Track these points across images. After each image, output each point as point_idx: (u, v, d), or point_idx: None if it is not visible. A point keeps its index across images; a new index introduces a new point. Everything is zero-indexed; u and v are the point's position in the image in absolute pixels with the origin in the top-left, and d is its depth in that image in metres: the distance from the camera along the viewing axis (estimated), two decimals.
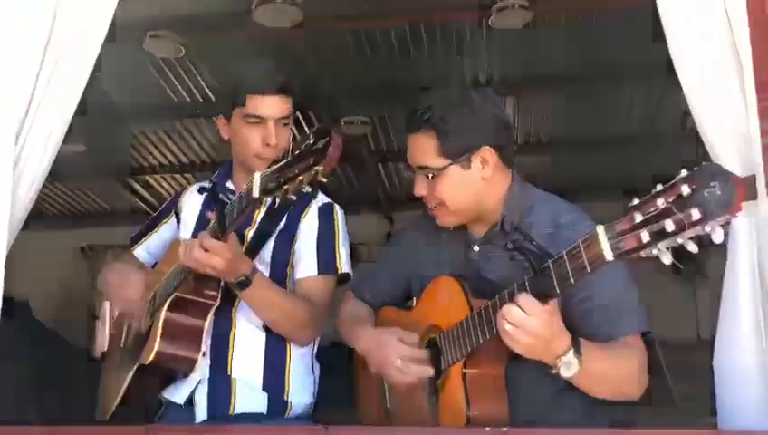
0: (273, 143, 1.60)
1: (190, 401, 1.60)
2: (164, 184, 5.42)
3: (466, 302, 1.38)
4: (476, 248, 1.49)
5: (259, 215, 1.70)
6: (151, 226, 1.88)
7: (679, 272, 4.73)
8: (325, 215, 1.70)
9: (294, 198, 1.25)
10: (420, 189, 1.46)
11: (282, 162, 1.26)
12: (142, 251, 1.85)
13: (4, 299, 1.36)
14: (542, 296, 1.18)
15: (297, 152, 1.23)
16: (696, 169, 0.96)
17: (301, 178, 1.21)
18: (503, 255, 1.41)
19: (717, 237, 0.93)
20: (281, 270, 1.65)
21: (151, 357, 1.52)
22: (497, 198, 1.46)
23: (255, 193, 1.30)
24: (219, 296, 1.56)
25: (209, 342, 1.60)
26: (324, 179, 1.21)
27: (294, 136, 1.67)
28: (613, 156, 4.98)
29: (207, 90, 4.07)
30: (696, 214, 0.92)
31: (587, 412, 1.41)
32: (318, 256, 1.65)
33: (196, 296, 1.55)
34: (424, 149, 1.43)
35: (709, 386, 1.29)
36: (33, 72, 1.44)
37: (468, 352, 1.35)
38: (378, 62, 3.78)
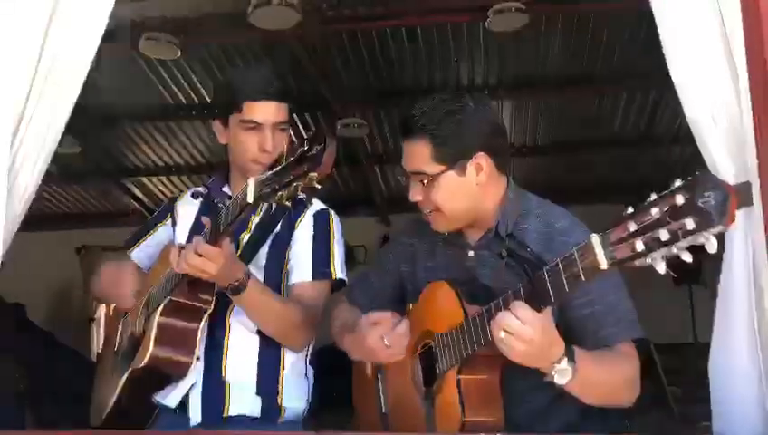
0: (270, 149, 1.60)
1: (184, 405, 1.60)
2: (159, 185, 5.42)
3: (461, 308, 1.38)
4: (471, 254, 1.50)
5: (254, 220, 1.70)
6: (147, 229, 1.88)
7: (679, 283, 4.76)
8: (320, 221, 1.70)
9: (289, 203, 1.24)
10: (415, 195, 1.46)
11: (276, 168, 1.26)
12: (139, 253, 1.85)
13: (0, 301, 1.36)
14: (537, 304, 1.18)
15: (292, 159, 1.23)
16: (690, 178, 0.96)
17: (295, 184, 1.22)
18: (497, 260, 1.41)
19: (711, 248, 0.93)
20: (275, 275, 1.65)
21: (145, 361, 1.52)
22: (492, 203, 1.46)
23: (250, 199, 1.31)
24: (213, 301, 1.56)
25: (203, 346, 1.59)
26: (319, 186, 1.22)
27: (291, 140, 1.67)
28: (608, 159, 5.00)
29: (203, 92, 4.07)
30: (690, 224, 0.92)
31: (580, 419, 1.41)
32: (312, 262, 1.65)
33: (191, 301, 1.55)
34: (419, 155, 1.43)
35: (705, 390, 1.29)
36: (28, 74, 1.43)
37: (463, 358, 1.35)
38: (375, 64, 3.79)
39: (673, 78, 1.31)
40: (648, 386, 1.38)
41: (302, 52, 3.49)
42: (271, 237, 1.67)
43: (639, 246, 0.98)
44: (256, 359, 1.62)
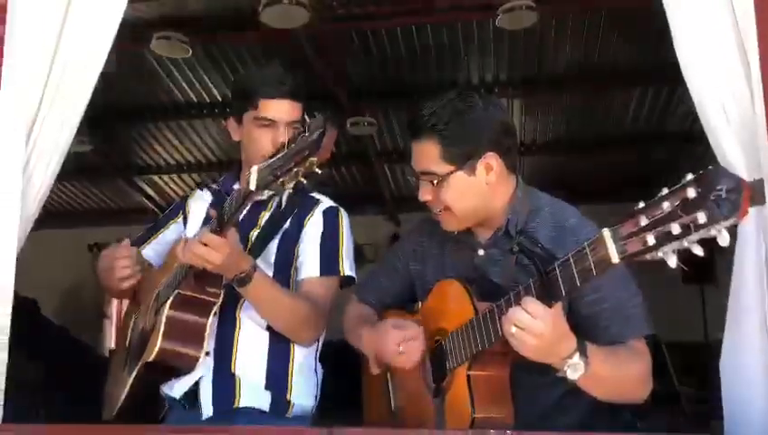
0: None
1: (193, 400, 1.61)
2: (170, 183, 5.45)
3: (471, 305, 1.38)
4: (481, 252, 1.50)
5: (264, 217, 1.71)
6: (158, 227, 1.89)
7: (689, 281, 4.73)
8: (330, 218, 1.71)
9: (291, 189, 1.25)
10: (425, 195, 1.46)
11: (278, 155, 1.27)
12: (150, 251, 1.86)
13: (16, 297, 1.38)
14: (548, 299, 1.18)
15: (293, 145, 1.24)
16: (702, 172, 0.96)
17: (296, 169, 1.22)
18: (507, 258, 1.41)
19: (723, 241, 0.93)
20: (284, 271, 1.66)
21: (154, 354, 1.52)
22: (502, 202, 1.46)
23: (252, 186, 1.31)
24: (221, 294, 1.56)
25: (213, 340, 1.61)
26: (319, 171, 1.22)
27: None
28: (620, 157, 4.97)
29: (214, 90, 4.09)
30: (702, 217, 0.92)
31: (591, 417, 1.41)
32: (321, 259, 1.66)
33: (199, 294, 1.55)
34: (428, 155, 1.43)
35: (716, 389, 1.29)
36: (42, 74, 1.45)
37: (473, 355, 1.35)
38: (384, 62, 3.79)
39: (684, 74, 1.30)
40: (659, 385, 1.37)
41: (311, 50, 3.51)
42: (280, 233, 1.68)
43: (651, 239, 0.98)
44: (266, 354, 1.62)
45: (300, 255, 1.67)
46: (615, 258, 1.05)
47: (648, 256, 1.00)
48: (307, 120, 1.27)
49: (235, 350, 1.61)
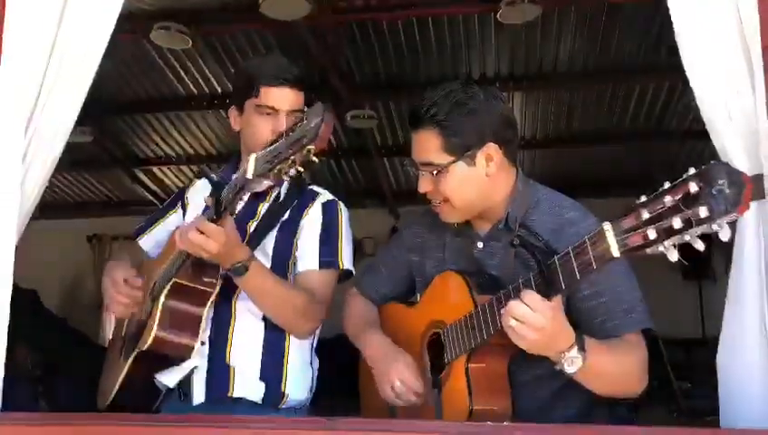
0: None
1: (189, 388, 1.61)
2: (170, 175, 5.44)
3: (471, 297, 1.39)
4: (480, 245, 1.50)
5: (263, 208, 1.70)
6: (158, 217, 1.89)
7: (689, 276, 4.73)
8: (329, 211, 1.71)
9: (287, 178, 1.25)
10: (425, 186, 1.46)
11: (276, 143, 1.27)
12: (149, 241, 1.86)
13: (13, 287, 1.38)
14: (547, 292, 1.18)
15: (291, 133, 1.24)
16: (704, 167, 0.96)
17: (293, 158, 1.22)
18: (507, 251, 1.41)
19: (724, 235, 0.93)
20: (282, 263, 1.66)
21: (149, 343, 1.52)
22: (502, 194, 1.46)
23: (249, 174, 1.31)
24: (218, 284, 1.56)
25: (209, 330, 1.60)
26: (316, 159, 1.22)
27: None
28: (621, 152, 4.97)
29: (214, 82, 4.08)
30: (703, 212, 0.92)
31: (588, 409, 1.41)
32: (320, 251, 1.66)
33: (195, 283, 1.55)
34: (428, 146, 1.43)
35: (713, 385, 1.29)
36: (41, 64, 1.44)
37: (472, 348, 1.35)
38: (385, 55, 3.78)
39: (686, 70, 1.30)
40: (656, 380, 1.38)
41: (312, 42, 3.49)
42: (278, 225, 1.68)
43: (652, 234, 0.98)
44: (261, 345, 1.62)
45: (299, 247, 1.67)
46: (616, 252, 1.06)
47: (648, 251, 1.00)
48: (306, 108, 1.27)
49: (230, 340, 1.61)
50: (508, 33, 3.54)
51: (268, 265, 1.62)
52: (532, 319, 1.17)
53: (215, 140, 4.89)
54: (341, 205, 1.74)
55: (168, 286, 1.55)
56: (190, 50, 3.62)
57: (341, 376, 1.86)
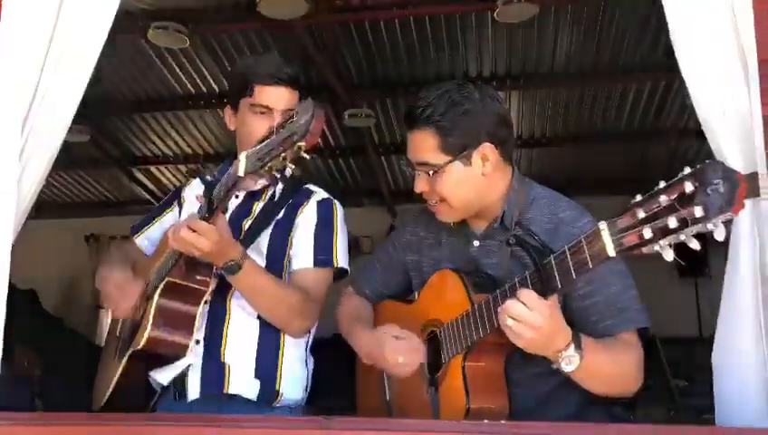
0: None
1: (184, 387, 1.60)
2: (167, 174, 5.44)
3: (467, 296, 1.39)
4: (476, 243, 1.50)
5: (258, 206, 1.70)
6: (154, 215, 1.89)
7: (685, 274, 4.74)
8: (324, 209, 1.71)
9: (279, 175, 1.25)
10: (421, 186, 1.46)
11: (266, 140, 1.26)
12: (144, 240, 1.86)
13: (10, 287, 1.37)
14: (544, 291, 1.18)
15: (281, 130, 1.24)
16: (699, 166, 0.96)
17: (284, 154, 1.22)
18: (503, 250, 1.42)
19: (719, 235, 0.93)
20: (277, 261, 1.66)
21: (143, 342, 1.52)
22: (498, 193, 1.46)
23: (241, 172, 1.31)
24: (212, 282, 1.56)
25: (203, 329, 1.60)
26: (307, 156, 1.22)
27: None
28: (617, 151, 4.98)
29: (212, 81, 4.08)
30: (698, 211, 0.93)
31: (584, 407, 1.42)
32: (315, 249, 1.65)
33: (188, 282, 1.54)
34: (424, 146, 1.43)
35: (709, 382, 1.29)
36: (38, 63, 1.44)
37: (468, 346, 1.35)
38: (382, 54, 3.78)
39: (682, 69, 1.30)
40: (652, 378, 1.38)
41: (309, 41, 3.49)
42: (273, 223, 1.67)
43: (648, 233, 0.98)
44: (256, 344, 1.62)
45: (293, 245, 1.67)
46: (611, 251, 1.06)
47: (644, 250, 1.01)
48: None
49: (224, 339, 1.61)
50: (505, 32, 3.55)
51: (263, 263, 1.62)
52: (529, 318, 1.17)
53: (212, 140, 4.89)
54: (336, 203, 1.74)
55: (161, 285, 1.54)
56: (188, 49, 3.62)
57: (337, 376, 1.86)
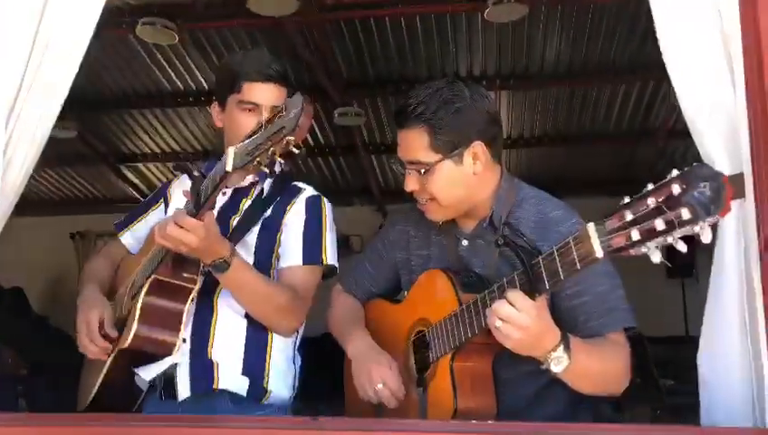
0: None
1: (171, 387, 1.58)
2: (155, 172, 5.40)
3: (455, 295, 1.39)
4: (465, 243, 1.50)
5: (246, 203, 1.69)
6: (139, 212, 1.87)
7: (673, 275, 4.78)
8: (313, 206, 1.70)
9: (267, 170, 1.24)
10: (411, 185, 1.46)
11: (255, 135, 1.25)
12: (129, 238, 1.84)
13: None
14: (531, 292, 1.18)
15: (269, 125, 1.23)
16: (686, 169, 0.97)
17: (273, 149, 1.21)
18: (491, 249, 1.42)
19: (706, 238, 0.94)
20: (265, 259, 1.65)
21: (129, 341, 1.50)
22: (487, 193, 1.47)
23: (228, 167, 1.30)
24: (199, 280, 1.54)
25: (190, 327, 1.59)
26: (296, 150, 1.21)
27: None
28: (606, 152, 5.01)
29: (201, 78, 4.05)
30: (685, 214, 0.93)
31: (571, 407, 1.42)
32: (304, 247, 1.65)
33: (175, 279, 1.52)
34: (415, 144, 1.43)
35: (695, 382, 1.30)
36: (23, 57, 1.42)
37: (457, 346, 1.36)
38: (373, 53, 3.77)
39: (669, 70, 1.31)
40: (640, 377, 1.39)
41: (300, 39, 3.48)
42: (261, 220, 1.66)
43: (635, 235, 0.99)
44: (243, 342, 1.61)
45: (282, 243, 1.66)
46: (599, 253, 1.06)
47: (632, 252, 1.01)
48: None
49: (212, 337, 1.59)
50: (495, 32, 3.55)
51: (251, 260, 1.61)
52: (517, 318, 1.18)
53: (201, 137, 4.86)
54: (325, 200, 1.73)
55: (147, 283, 1.53)
56: (176, 45, 3.59)
57: (325, 375, 1.85)
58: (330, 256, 1.67)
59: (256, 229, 1.66)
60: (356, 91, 4.18)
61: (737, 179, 1.22)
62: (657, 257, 0.99)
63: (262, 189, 1.72)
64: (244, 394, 1.58)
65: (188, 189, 1.45)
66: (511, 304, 1.18)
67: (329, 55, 3.75)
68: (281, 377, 1.65)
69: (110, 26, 3.21)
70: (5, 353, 3.63)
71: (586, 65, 3.90)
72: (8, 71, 1.41)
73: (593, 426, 1.37)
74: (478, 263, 1.47)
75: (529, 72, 3.99)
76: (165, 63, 3.89)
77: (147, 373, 1.60)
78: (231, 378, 1.59)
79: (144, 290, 1.53)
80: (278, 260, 1.66)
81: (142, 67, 3.90)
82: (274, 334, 1.64)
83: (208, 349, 1.59)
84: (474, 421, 1.25)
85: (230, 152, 1.31)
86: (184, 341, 1.57)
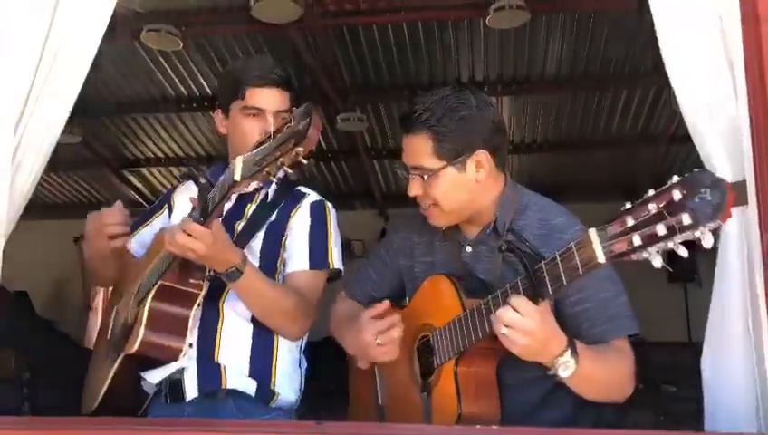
0: None
1: (177, 391, 1.58)
2: (159, 176, 5.42)
3: (459, 301, 1.40)
4: (468, 249, 1.51)
5: (251, 208, 1.70)
6: (144, 219, 1.88)
7: (674, 280, 4.78)
8: (317, 211, 1.71)
9: (276, 180, 1.25)
10: (415, 190, 1.47)
11: (264, 145, 1.26)
12: (134, 244, 1.85)
13: (1, 289, 1.36)
14: (535, 296, 1.19)
15: (279, 135, 1.23)
16: (687, 175, 0.97)
17: (282, 159, 1.22)
18: (494, 255, 1.43)
19: (707, 243, 0.95)
20: (271, 263, 1.65)
21: (136, 346, 1.51)
22: (490, 199, 1.47)
23: (237, 177, 1.30)
24: (205, 286, 1.55)
25: (196, 332, 1.59)
26: (305, 161, 1.22)
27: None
28: (607, 157, 5.01)
29: (204, 83, 4.07)
30: (686, 219, 0.94)
31: (574, 413, 1.43)
32: (309, 252, 1.65)
33: (181, 285, 1.53)
34: (420, 150, 1.44)
35: (698, 388, 1.30)
36: (32, 63, 1.43)
37: (461, 351, 1.36)
38: (375, 59, 3.79)
39: (669, 74, 1.31)
40: (642, 384, 1.39)
41: (302, 45, 3.50)
42: (266, 225, 1.67)
43: (637, 240, 1.00)
44: (249, 346, 1.61)
45: (287, 248, 1.67)
46: (601, 258, 1.07)
47: (633, 257, 1.02)
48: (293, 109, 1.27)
49: (218, 342, 1.60)
50: (497, 39, 3.57)
51: (256, 265, 1.61)
52: (521, 323, 1.18)
53: (204, 142, 4.88)
54: (329, 205, 1.74)
55: (154, 289, 1.53)
56: (180, 52, 3.62)
57: (330, 380, 1.85)
58: (335, 259, 1.68)
59: (261, 234, 1.67)
60: (358, 97, 4.20)
61: (740, 187, 1.22)
62: (658, 262, 0.99)
63: (266, 194, 1.73)
64: (253, 394, 1.59)
65: (195, 196, 1.45)
66: (514, 309, 1.19)
67: (331, 61, 3.77)
68: (287, 380, 1.65)
69: (115, 33, 3.23)
70: (10, 357, 3.63)
71: (587, 71, 3.91)
72: (18, 79, 1.43)
73: (596, 432, 1.37)
74: (482, 269, 1.48)
75: (530, 79, 4.01)
76: (169, 69, 3.92)
77: (153, 377, 1.61)
78: (238, 379, 1.60)
79: (151, 296, 1.53)
80: (283, 265, 1.67)
81: (146, 73, 3.93)
82: (280, 338, 1.65)
83: (215, 353, 1.60)
84: (478, 426, 1.25)
85: (238, 162, 1.31)
86: (190, 346, 1.57)
